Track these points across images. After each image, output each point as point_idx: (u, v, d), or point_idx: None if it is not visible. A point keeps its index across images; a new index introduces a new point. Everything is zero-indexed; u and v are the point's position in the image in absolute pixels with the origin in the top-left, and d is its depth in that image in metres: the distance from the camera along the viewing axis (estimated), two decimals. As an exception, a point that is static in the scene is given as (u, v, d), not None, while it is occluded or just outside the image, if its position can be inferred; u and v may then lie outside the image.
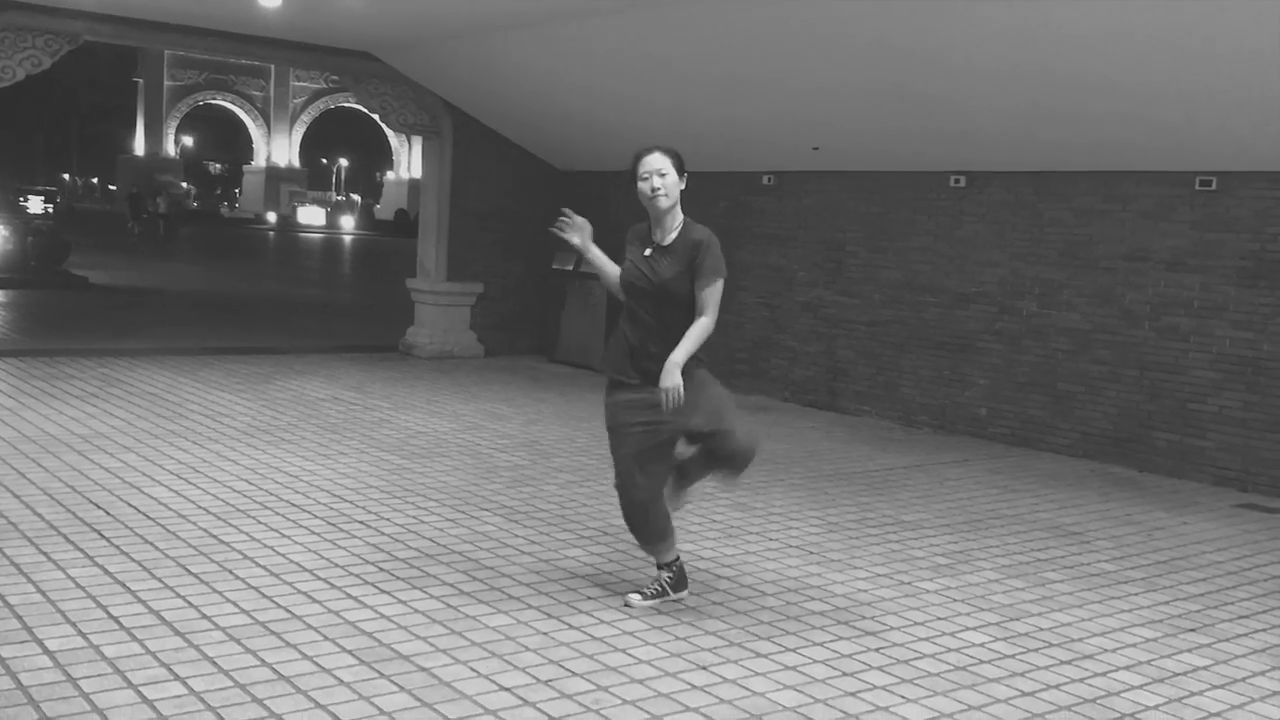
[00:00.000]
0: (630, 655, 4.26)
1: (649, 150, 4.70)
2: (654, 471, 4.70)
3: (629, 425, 4.65)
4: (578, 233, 4.84)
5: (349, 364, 11.70)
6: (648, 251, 4.71)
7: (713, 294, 4.61)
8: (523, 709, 3.74)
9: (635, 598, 4.84)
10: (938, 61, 8.10)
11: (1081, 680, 4.30)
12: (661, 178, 4.63)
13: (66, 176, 73.42)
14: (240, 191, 71.12)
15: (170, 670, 3.87)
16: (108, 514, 5.77)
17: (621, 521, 5.84)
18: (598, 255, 4.87)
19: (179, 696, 3.67)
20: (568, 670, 4.08)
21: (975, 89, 8.27)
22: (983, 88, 8.21)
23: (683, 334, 4.58)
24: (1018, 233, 9.18)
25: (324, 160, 73.81)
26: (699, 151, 11.36)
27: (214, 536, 5.49)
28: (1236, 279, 7.92)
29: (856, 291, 10.37)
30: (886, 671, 4.27)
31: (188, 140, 67.66)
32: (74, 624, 4.24)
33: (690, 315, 4.62)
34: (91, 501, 5.98)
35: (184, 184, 65.25)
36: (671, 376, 4.47)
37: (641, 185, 4.65)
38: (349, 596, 4.74)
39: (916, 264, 9.88)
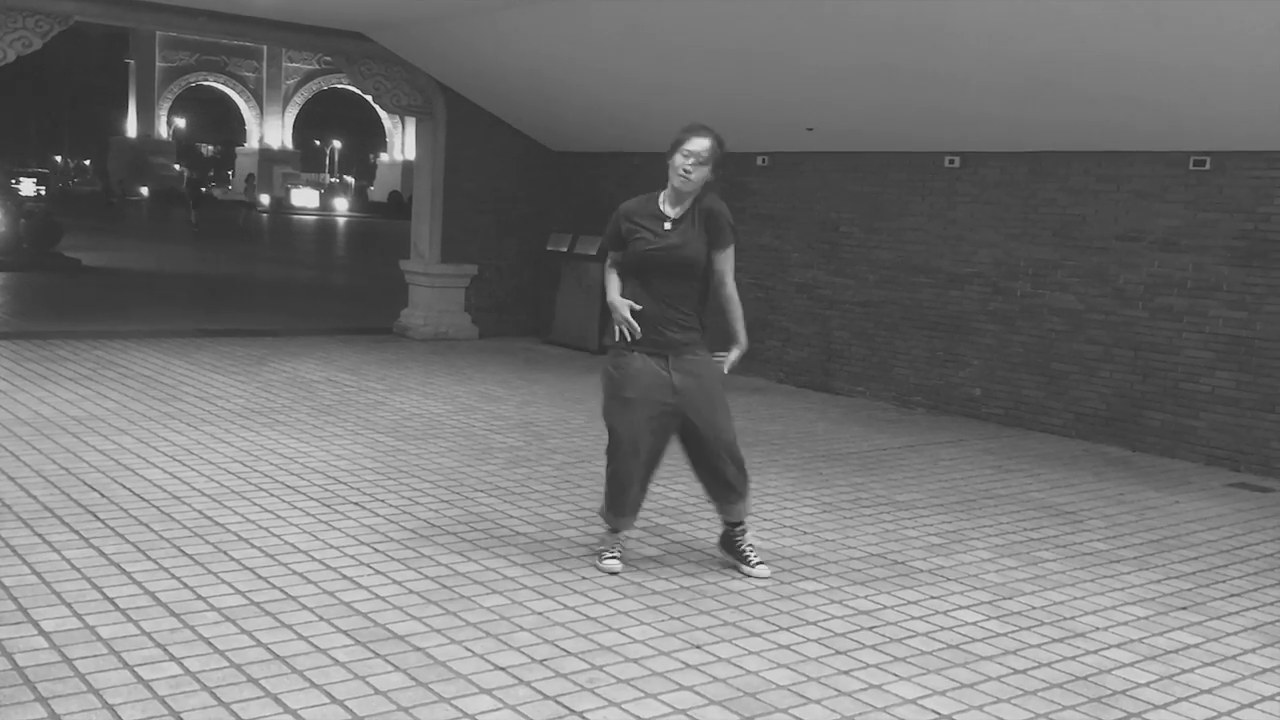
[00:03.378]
0: (625, 635, 4.28)
1: (704, 134, 4.83)
2: (655, 448, 4.93)
3: (649, 399, 4.82)
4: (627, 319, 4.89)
5: (343, 346, 11.69)
6: (667, 225, 4.86)
7: (732, 262, 4.97)
8: (518, 688, 3.75)
9: (611, 562, 5.02)
10: (932, 41, 8.08)
11: (1074, 658, 4.32)
12: (699, 166, 4.80)
13: (59, 158, 73.10)
14: (233, 173, 70.87)
15: (166, 651, 3.88)
16: (102, 496, 5.77)
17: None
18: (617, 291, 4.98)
19: (175, 677, 3.68)
20: (563, 650, 4.10)
21: (970, 69, 8.25)
22: (977, 67, 8.20)
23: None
24: (1012, 213, 9.18)
25: (317, 142, 73.58)
26: (693, 132, 11.38)
27: (209, 518, 5.49)
28: (1230, 259, 7.93)
29: (851, 272, 10.37)
30: (880, 650, 4.29)
31: (180, 122, 67.38)
32: (69, 605, 4.25)
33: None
34: (86, 484, 5.98)
35: (176, 165, 65.02)
36: (739, 350, 5.03)
37: (678, 160, 4.79)
38: (344, 577, 4.76)
39: (911, 244, 9.88)
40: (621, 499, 4.95)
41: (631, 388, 4.84)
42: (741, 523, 5.12)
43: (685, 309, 4.87)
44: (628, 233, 4.91)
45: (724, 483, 4.99)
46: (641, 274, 4.87)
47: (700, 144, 4.78)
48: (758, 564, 5.06)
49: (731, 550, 5.14)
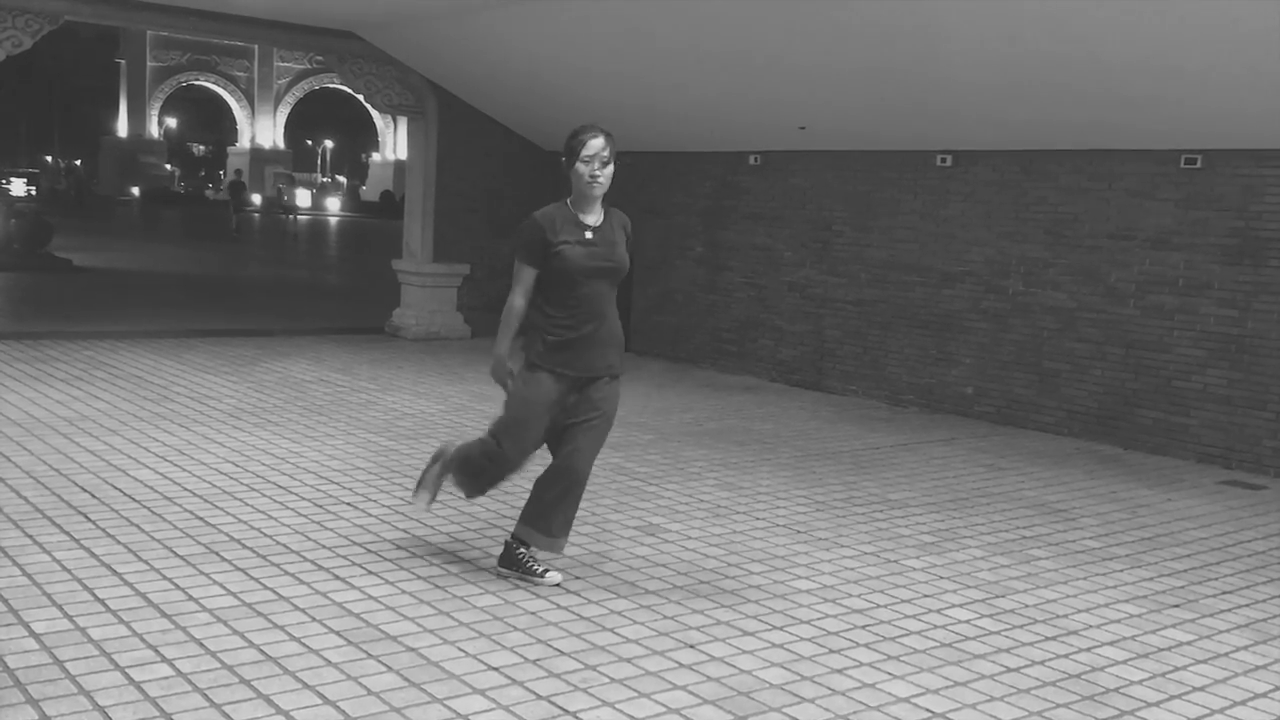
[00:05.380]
0: (618, 634, 4.27)
1: (595, 133, 4.58)
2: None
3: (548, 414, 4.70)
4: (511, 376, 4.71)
5: (335, 346, 11.67)
6: (589, 234, 4.62)
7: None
8: (511, 688, 3.75)
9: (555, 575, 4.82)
10: (924, 41, 8.09)
11: (1066, 656, 4.33)
12: (605, 166, 4.57)
13: (49, 159, 72.86)
14: (224, 173, 70.65)
15: (157, 652, 3.87)
16: (93, 497, 5.75)
17: (608, 501, 5.82)
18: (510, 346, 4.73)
19: (166, 678, 3.67)
20: (556, 649, 4.09)
21: (961, 68, 8.25)
22: (969, 66, 8.20)
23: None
24: (1003, 211, 9.19)
25: (309, 141, 73.38)
26: (686, 131, 11.40)
27: (200, 519, 5.48)
28: (1221, 257, 7.95)
29: (843, 271, 10.37)
30: (873, 649, 4.29)
31: (171, 121, 67.17)
32: (60, 607, 4.23)
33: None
34: (77, 485, 5.96)
35: (167, 165, 64.81)
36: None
37: (581, 168, 4.55)
38: (336, 577, 4.74)
39: (903, 243, 9.88)
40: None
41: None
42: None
43: (614, 319, 4.72)
44: (546, 245, 4.57)
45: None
46: (574, 287, 4.59)
47: (599, 143, 4.55)
48: (545, 572, 4.81)
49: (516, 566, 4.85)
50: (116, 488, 5.95)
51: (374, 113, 61.39)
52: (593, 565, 5.08)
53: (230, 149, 68.17)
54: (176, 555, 4.91)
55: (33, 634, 3.97)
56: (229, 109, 65.10)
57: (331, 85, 62.58)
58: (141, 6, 11.31)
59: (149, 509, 5.59)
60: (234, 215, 34.41)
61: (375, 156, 70.21)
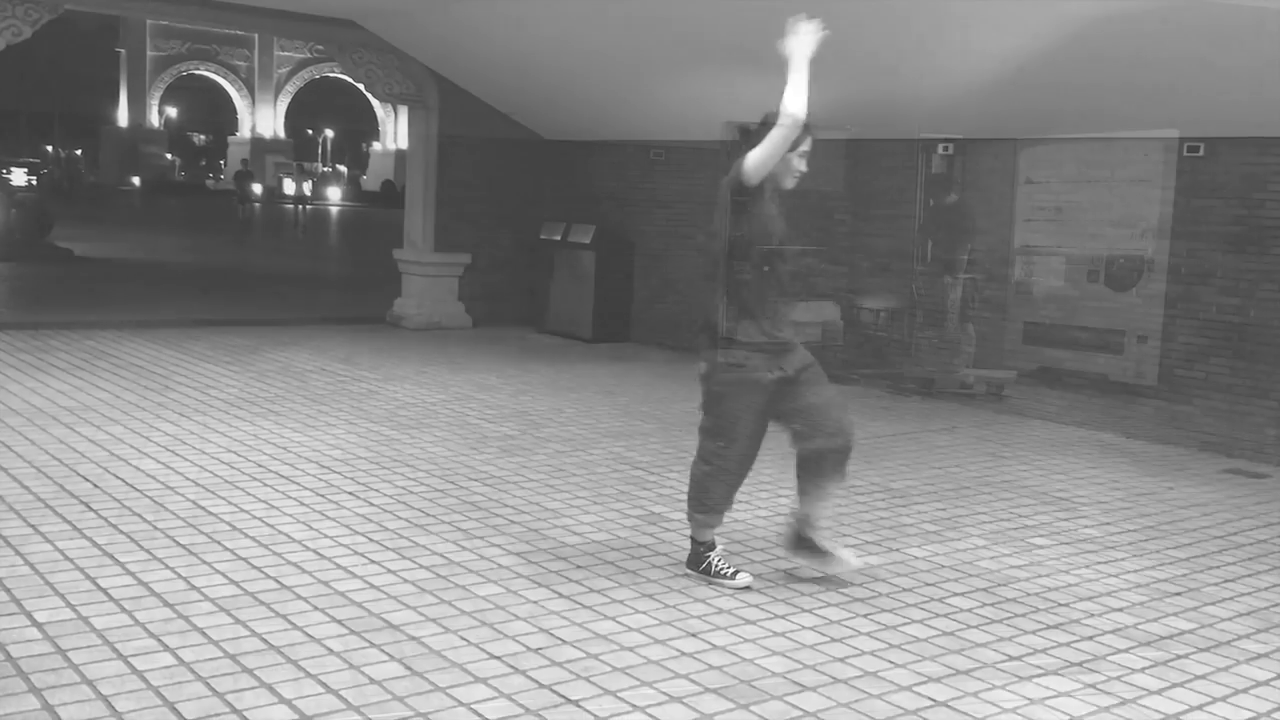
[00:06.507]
0: (620, 623, 4.28)
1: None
2: None
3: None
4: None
5: (336, 335, 11.66)
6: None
7: None
8: (513, 677, 3.75)
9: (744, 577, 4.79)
10: (927, 28, 8.06)
11: (1069, 644, 4.33)
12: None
13: (50, 148, 72.80)
14: (225, 163, 70.59)
15: (160, 641, 3.87)
16: (95, 486, 5.75)
17: (610, 491, 5.75)
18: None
19: (169, 667, 3.67)
20: (558, 638, 4.10)
21: (963, 55, 8.23)
22: (971, 54, 8.17)
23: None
24: (1005, 200, 9.17)
25: (309, 131, 73.29)
26: (690, 121, 11.35)
27: (202, 508, 5.48)
28: (1223, 245, 7.93)
29: (844, 260, 10.35)
30: (875, 638, 4.29)
31: (171, 111, 67.11)
32: (63, 596, 4.24)
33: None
34: (79, 474, 5.96)
35: (167, 155, 64.76)
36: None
37: (796, 161, 5.00)
38: (338, 567, 4.75)
39: (905, 232, 9.87)
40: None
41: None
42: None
43: None
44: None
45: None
46: (776, 260, 5.19)
47: (810, 143, 4.91)
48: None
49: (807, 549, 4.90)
50: (118, 477, 5.95)
51: (375, 102, 61.24)
52: (595, 554, 5.08)
53: (231, 138, 68.10)
54: (179, 544, 4.92)
55: (35, 623, 3.98)
56: (229, 98, 65.00)
57: (332, 74, 62.43)
58: (141, -5, 11.30)
59: (151, 498, 5.60)
60: (240, 205, 33.89)
61: (376, 146, 70.09)
